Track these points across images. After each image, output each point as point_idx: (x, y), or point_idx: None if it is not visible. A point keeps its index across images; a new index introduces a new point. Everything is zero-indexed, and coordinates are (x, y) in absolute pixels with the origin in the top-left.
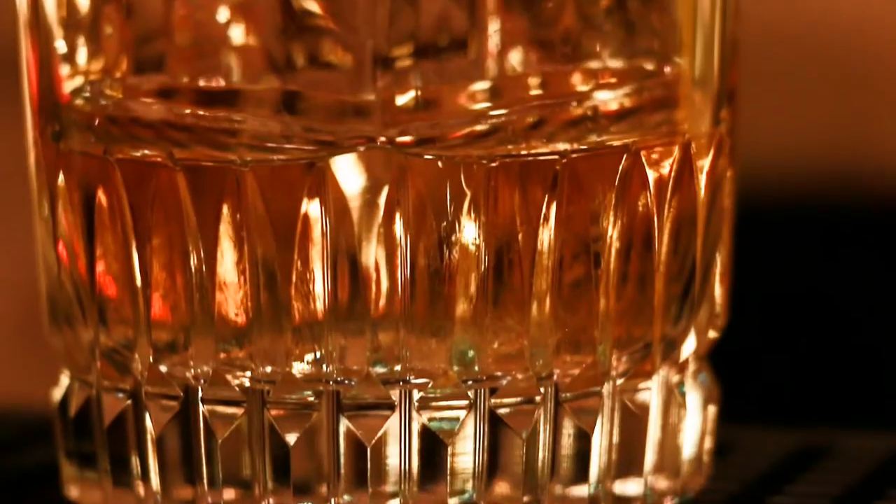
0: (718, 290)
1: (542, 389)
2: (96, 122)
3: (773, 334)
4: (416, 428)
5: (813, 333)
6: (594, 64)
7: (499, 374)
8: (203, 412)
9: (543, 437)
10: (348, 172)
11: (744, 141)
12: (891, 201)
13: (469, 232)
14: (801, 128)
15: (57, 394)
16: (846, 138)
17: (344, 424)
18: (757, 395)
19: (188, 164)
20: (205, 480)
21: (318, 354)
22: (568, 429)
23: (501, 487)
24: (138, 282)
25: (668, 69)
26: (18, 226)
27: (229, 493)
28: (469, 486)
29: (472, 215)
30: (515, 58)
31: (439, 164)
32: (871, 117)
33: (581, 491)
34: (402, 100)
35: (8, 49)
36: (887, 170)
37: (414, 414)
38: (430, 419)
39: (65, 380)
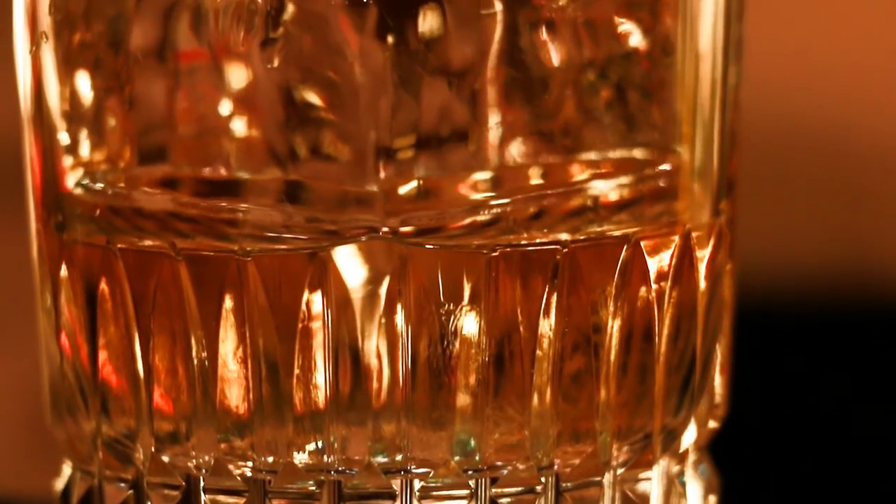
0: (718, 381)
1: (542, 479)
2: (99, 212)
3: (774, 433)
4: None
5: (812, 434)
6: (594, 155)
7: (500, 463)
8: (205, 502)
9: None
10: (350, 263)
11: (744, 245)
12: (892, 304)
13: (470, 322)
14: (800, 231)
15: (59, 484)
16: (846, 242)
17: None
18: (757, 486)
19: (190, 254)
20: None
21: (320, 444)
22: None
23: None
24: (140, 372)
25: (668, 160)
26: (21, 319)
27: None
28: None
29: (473, 305)
30: (516, 149)
31: (441, 253)
32: (870, 220)
33: None
34: (403, 190)
35: (9, 144)
36: (887, 273)
37: (415, 503)
38: None
39: (67, 470)
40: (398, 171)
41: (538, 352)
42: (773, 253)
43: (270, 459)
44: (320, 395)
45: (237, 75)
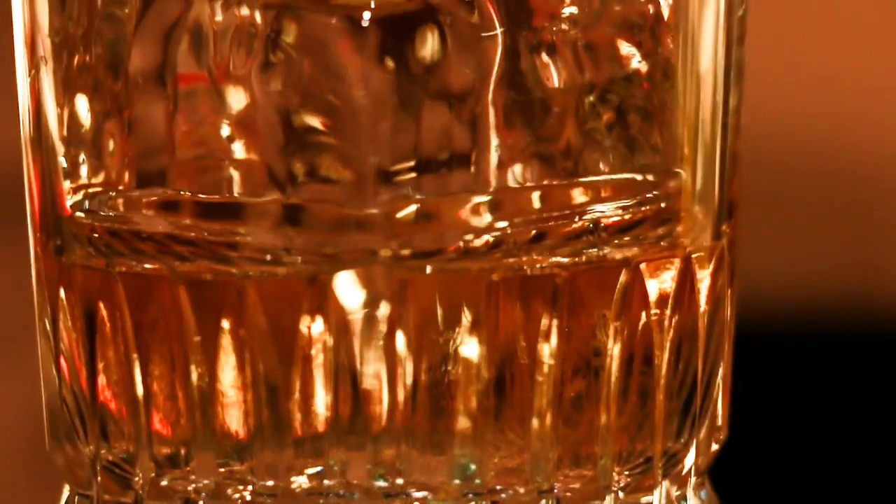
0: (720, 404)
1: (543, 503)
2: (98, 235)
3: (775, 456)
4: None
5: (814, 457)
6: (595, 178)
7: (500, 487)
8: None
9: None
10: (349, 286)
11: (749, 268)
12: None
13: (470, 346)
14: (802, 254)
15: None
16: (849, 264)
17: None
18: None
19: (190, 277)
20: None
21: (320, 468)
22: None
23: None
24: (140, 396)
25: (669, 183)
26: (22, 342)
27: None
28: None
29: (473, 329)
30: (516, 172)
31: (440, 277)
32: (874, 242)
33: None
34: (403, 213)
35: (9, 167)
36: (891, 295)
37: None
38: None
39: (66, 494)
40: (398, 195)
41: (538, 375)
42: (776, 275)
43: (270, 483)
44: (320, 418)
45: (237, 98)
